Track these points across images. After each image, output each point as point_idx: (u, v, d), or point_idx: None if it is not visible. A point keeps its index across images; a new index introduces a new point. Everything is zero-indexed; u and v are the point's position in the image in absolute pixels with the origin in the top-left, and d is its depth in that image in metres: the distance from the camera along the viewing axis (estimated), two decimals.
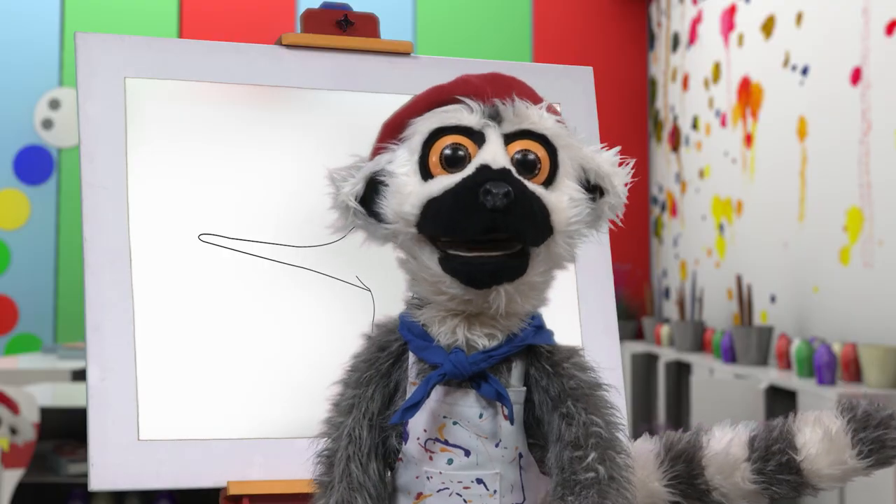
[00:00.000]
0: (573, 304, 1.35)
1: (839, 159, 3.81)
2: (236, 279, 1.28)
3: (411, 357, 0.90)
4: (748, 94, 4.74)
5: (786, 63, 4.32)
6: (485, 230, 0.81)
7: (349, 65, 1.38)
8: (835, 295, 3.84)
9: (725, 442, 1.01)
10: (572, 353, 0.89)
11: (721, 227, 5.07)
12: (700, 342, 4.83)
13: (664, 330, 5.16)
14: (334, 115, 1.37)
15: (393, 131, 0.91)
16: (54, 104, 5.61)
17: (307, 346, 1.28)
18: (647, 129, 6.27)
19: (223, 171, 1.32)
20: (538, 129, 0.87)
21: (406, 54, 1.40)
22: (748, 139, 4.73)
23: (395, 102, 1.36)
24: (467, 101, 0.88)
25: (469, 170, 0.84)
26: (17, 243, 5.57)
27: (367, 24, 1.40)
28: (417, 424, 0.89)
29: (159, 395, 1.21)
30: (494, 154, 0.84)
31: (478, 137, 0.86)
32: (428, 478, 0.88)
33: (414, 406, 0.86)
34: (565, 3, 6.13)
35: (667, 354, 4.87)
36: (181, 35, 5.66)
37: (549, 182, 0.86)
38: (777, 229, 4.36)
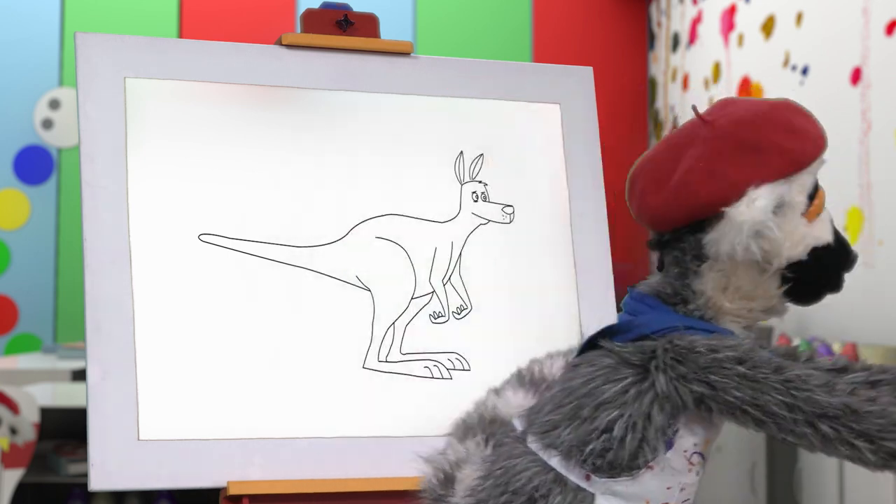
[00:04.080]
0: (573, 304, 1.35)
1: (839, 159, 3.81)
2: (236, 279, 1.28)
3: None
4: (748, 94, 4.74)
5: (786, 63, 4.32)
6: None
7: (349, 65, 1.38)
8: (835, 295, 3.84)
9: None
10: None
11: None
12: None
13: None
14: (334, 115, 1.37)
15: (793, 163, 1.04)
16: (54, 104, 5.61)
17: (307, 347, 1.28)
18: (647, 129, 6.27)
19: (223, 171, 1.32)
20: None
21: (406, 54, 1.40)
22: None
23: (395, 102, 1.36)
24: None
25: (827, 222, 1.06)
26: (17, 243, 5.57)
27: (367, 24, 1.40)
28: (688, 438, 0.90)
29: (159, 395, 1.21)
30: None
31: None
32: (681, 489, 0.89)
33: None
34: (565, 3, 6.13)
35: None
36: (181, 35, 5.65)
37: None
38: None
